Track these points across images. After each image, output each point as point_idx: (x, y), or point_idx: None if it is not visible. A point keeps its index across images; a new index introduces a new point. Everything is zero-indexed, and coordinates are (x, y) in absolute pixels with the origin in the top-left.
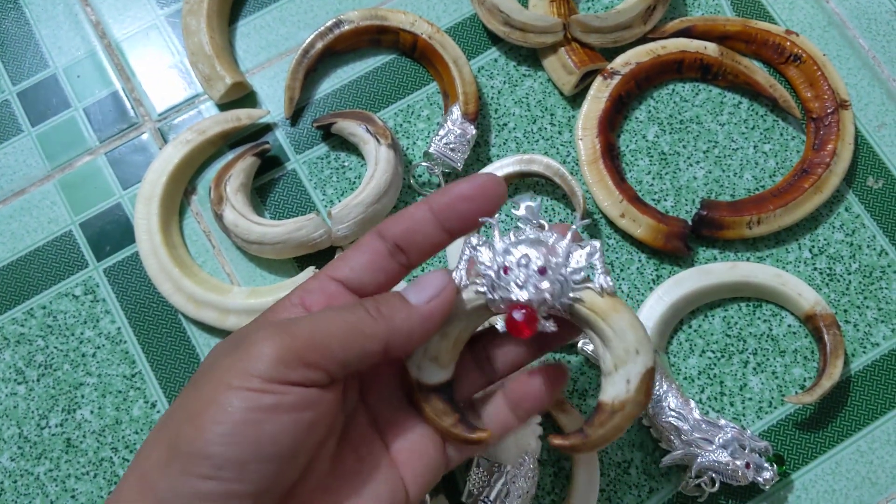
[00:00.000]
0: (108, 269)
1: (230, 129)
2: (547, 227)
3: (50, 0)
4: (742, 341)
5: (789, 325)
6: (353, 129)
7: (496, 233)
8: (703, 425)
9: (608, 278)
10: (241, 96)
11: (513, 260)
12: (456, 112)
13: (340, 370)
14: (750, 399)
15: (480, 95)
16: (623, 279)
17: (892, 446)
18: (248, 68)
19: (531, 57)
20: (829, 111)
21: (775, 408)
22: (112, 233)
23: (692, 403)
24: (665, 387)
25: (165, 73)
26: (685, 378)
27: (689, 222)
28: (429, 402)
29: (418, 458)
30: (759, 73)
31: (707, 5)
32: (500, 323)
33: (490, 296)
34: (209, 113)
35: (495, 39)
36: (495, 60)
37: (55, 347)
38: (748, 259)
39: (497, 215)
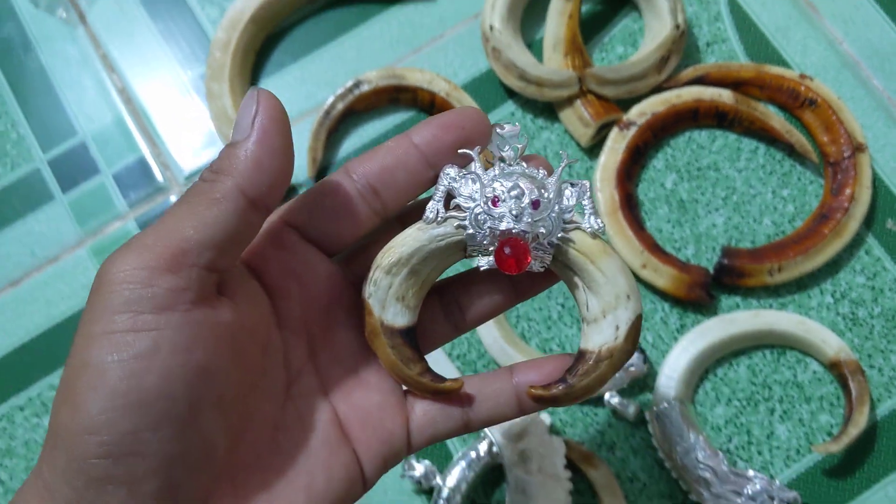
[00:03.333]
0: None
1: None
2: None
3: (76, 67)
4: (768, 389)
5: (814, 372)
6: None
7: (478, 165)
8: (732, 477)
9: (598, 219)
10: None
11: (503, 190)
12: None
13: (216, 256)
14: (777, 447)
15: None
16: (647, 329)
17: None
18: None
19: (547, 109)
20: (845, 155)
21: (803, 455)
22: None
23: (720, 455)
24: (693, 438)
25: (191, 136)
26: (712, 428)
27: (711, 270)
28: (395, 347)
29: (374, 432)
30: (774, 118)
31: (720, 52)
32: (480, 261)
33: (472, 230)
34: None
35: (511, 93)
36: (512, 114)
37: None
38: (770, 305)
39: (478, 147)
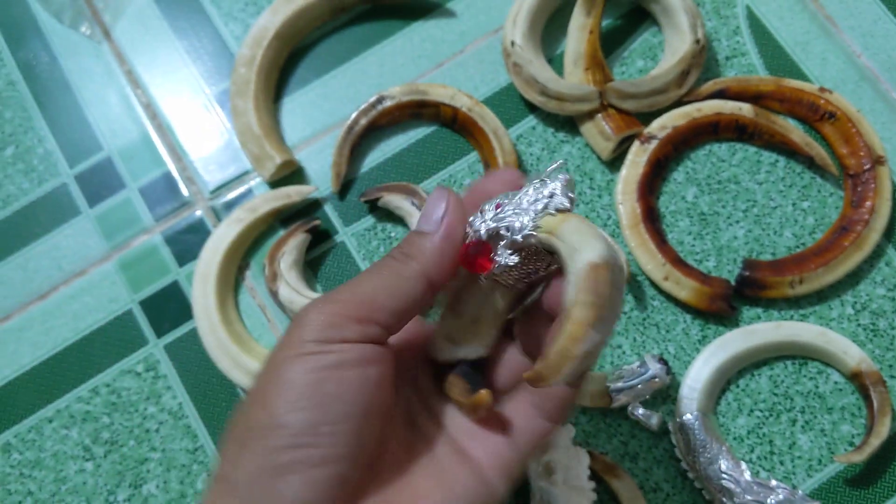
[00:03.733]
0: (168, 345)
1: (281, 206)
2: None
3: (101, 83)
4: (789, 400)
5: (835, 382)
6: (398, 202)
7: (487, 204)
8: (755, 487)
9: (563, 199)
10: (290, 172)
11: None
12: None
13: (394, 320)
14: (800, 457)
15: (520, 163)
16: (669, 341)
17: None
18: (295, 144)
19: (568, 123)
20: (865, 168)
21: (825, 465)
22: (171, 310)
23: (743, 465)
24: (716, 448)
25: (215, 150)
26: (735, 438)
27: (732, 282)
28: (444, 376)
29: (483, 445)
30: (794, 131)
31: (740, 66)
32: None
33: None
34: (259, 188)
35: (532, 107)
36: (533, 128)
37: (120, 424)
38: (791, 317)
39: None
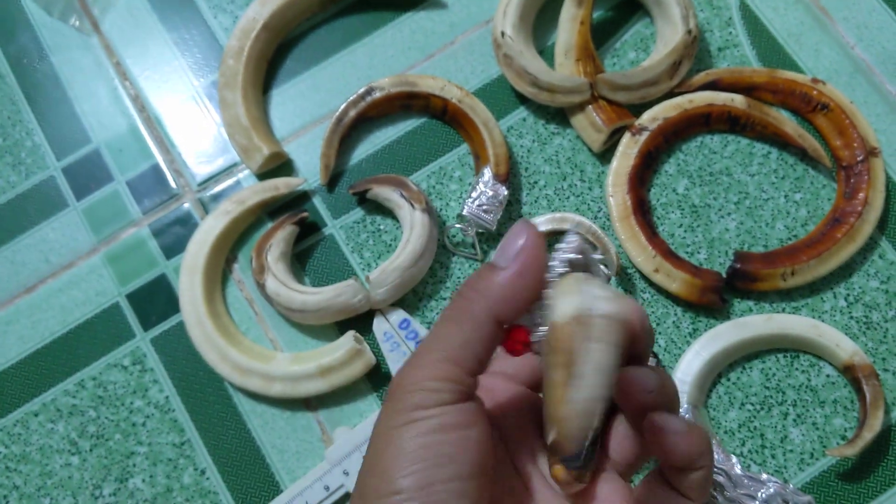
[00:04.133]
0: (154, 338)
1: (269, 198)
2: None
3: (90, 76)
4: (781, 393)
5: (828, 376)
6: (388, 194)
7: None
8: (745, 481)
9: (557, 264)
10: (278, 164)
11: None
12: (487, 174)
13: (479, 367)
14: (791, 451)
15: (511, 155)
16: (660, 333)
17: None
18: (284, 136)
19: (559, 114)
20: (859, 159)
21: (817, 459)
22: (158, 303)
23: (734, 458)
24: None
25: (204, 143)
26: (726, 432)
27: (724, 275)
28: (552, 465)
29: None
30: (787, 123)
31: (733, 57)
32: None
33: None
34: (247, 180)
35: (523, 99)
36: (524, 119)
37: (106, 418)
38: (784, 309)
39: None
